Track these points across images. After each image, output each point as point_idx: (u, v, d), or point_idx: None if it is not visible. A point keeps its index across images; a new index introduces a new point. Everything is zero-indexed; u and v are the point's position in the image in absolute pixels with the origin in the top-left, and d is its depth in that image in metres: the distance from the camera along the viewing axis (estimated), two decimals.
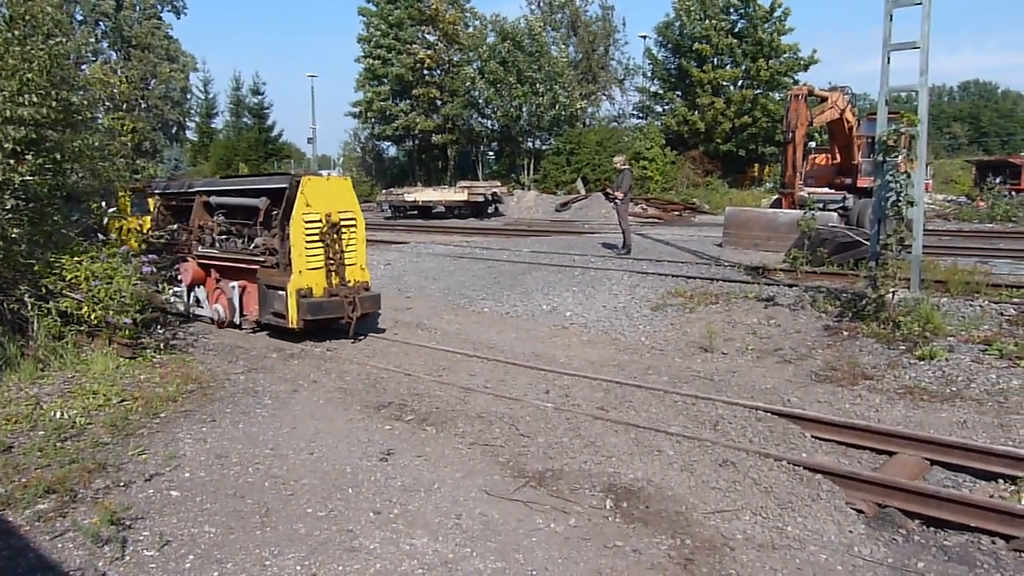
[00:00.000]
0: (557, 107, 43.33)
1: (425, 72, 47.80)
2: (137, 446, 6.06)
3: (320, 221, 9.89)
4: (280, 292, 9.80)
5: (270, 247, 10.11)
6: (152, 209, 12.48)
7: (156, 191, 12.62)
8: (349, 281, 10.17)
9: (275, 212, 10.25)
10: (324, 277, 9.98)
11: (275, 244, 10.03)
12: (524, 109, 43.58)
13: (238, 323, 10.93)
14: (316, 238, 9.87)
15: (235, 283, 10.83)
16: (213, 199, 11.63)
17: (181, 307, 11.77)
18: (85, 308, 8.46)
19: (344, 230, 10.14)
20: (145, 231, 12.14)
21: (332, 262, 10.04)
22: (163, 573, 4.30)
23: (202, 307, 11.60)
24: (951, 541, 5.16)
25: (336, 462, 5.88)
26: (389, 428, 6.68)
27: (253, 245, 10.62)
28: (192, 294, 11.72)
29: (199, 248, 11.46)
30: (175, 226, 12.27)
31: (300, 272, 9.73)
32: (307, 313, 9.66)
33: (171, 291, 11.27)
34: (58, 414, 6.59)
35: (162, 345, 9.13)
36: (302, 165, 59.33)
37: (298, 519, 4.93)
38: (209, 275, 11.49)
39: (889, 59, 10.50)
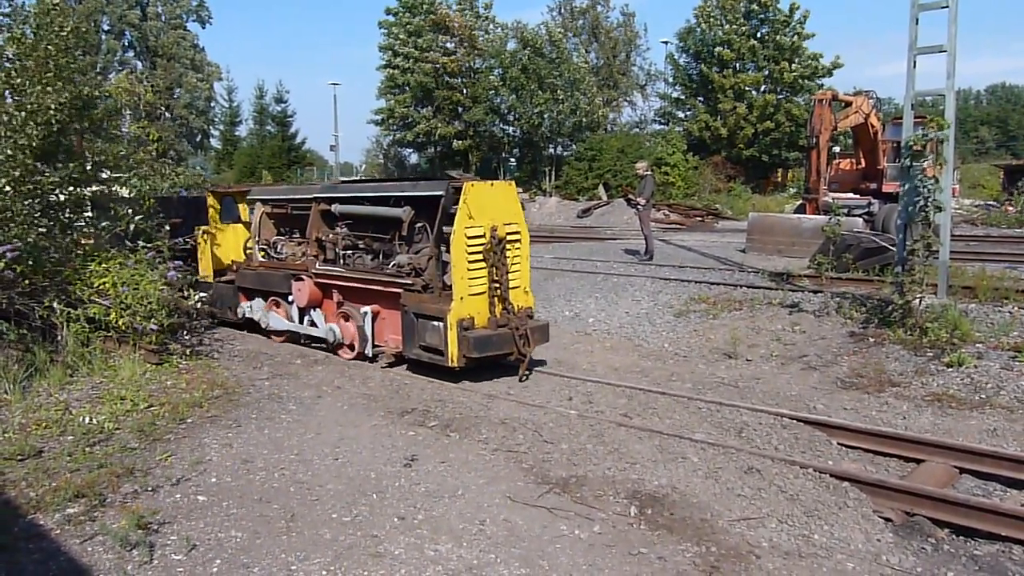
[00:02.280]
0: (578, 113, 43.34)
1: (447, 78, 48.01)
2: (164, 451, 6.13)
3: (484, 236, 8.38)
4: (435, 323, 8.29)
5: (417, 267, 8.71)
6: (255, 217, 11.35)
7: (260, 197, 11.43)
8: (515, 308, 8.64)
9: (420, 224, 8.98)
10: (487, 304, 8.50)
11: (422, 263, 8.68)
12: (545, 116, 43.64)
13: (369, 354, 9.38)
14: (479, 257, 8.36)
15: (366, 307, 9.33)
16: (337, 207, 9.91)
17: (279, 327, 10.68)
18: (113, 314, 8.58)
19: (509, 246, 8.61)
20: (245, 244, 11.59)
21: (497, 286, 8.49)
22: None
23: (317, 328, 10.14)
24: (981, 551, 5.08)
25: (360, 467, 5.90)
26: (413, 434, 6.70)
27: (393, 264, 9.08)
28: (307, 317, 10.28)
29: (317, 264, 9.99)
30: (282, 238, 11.21)
31: (461, 299, 8.23)
32: (472, 349, 8.15)
33: (245, 307, 11.04)
34: (87, 419, 6.68)
35: (188, 351, 9.23)
36: (325, 172, 59.77)
37: (323, 524, 4.95)
38: (328, 296, 10.02)
39: (915, 63, 10.41)
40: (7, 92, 8.40)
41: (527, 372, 8.72)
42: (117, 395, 7.35)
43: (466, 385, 8.47)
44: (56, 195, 9.30)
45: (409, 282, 8.68)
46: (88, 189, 10.03)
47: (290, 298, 10.29)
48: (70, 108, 9.01)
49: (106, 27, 51.19)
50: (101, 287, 8.73)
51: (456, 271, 8.25)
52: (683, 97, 49.58)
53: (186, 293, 9.81)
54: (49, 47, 8.88)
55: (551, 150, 47.35)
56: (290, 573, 4.37)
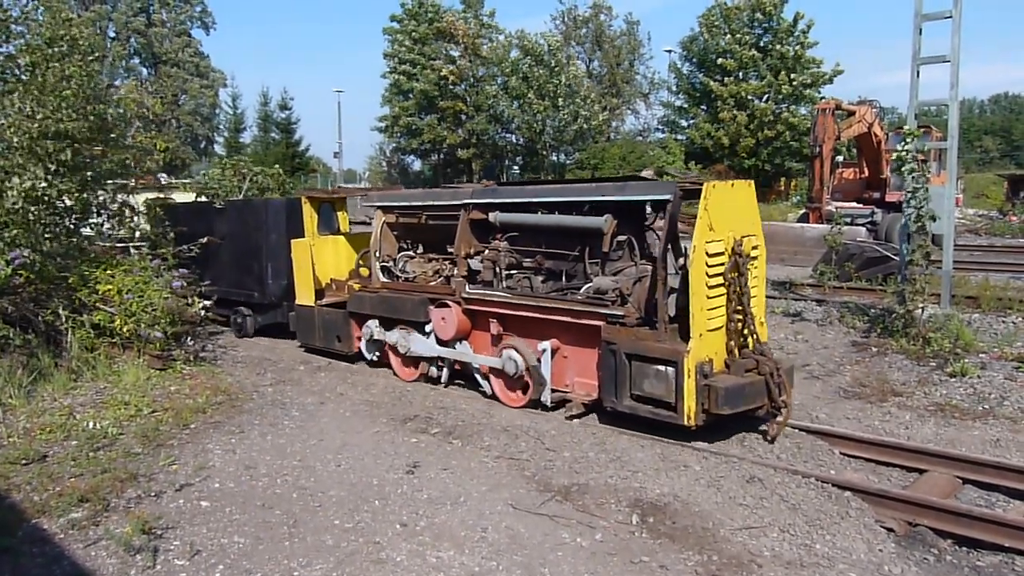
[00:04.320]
0: (579, 121, 43.45)
1: (450, 87, 48.18)
2: (168, 456, 6.15)
3: (725, 253, 6.66)
4: (661, 367, 6.50)
5: (624, 291, 7.04)
6: (375, 228, 9.53)
7: (382, 203, 9.60)
8: (760, 345, 6.83)
9: (624, 238, 7.27)
10: (725, 341, 6.71)
11: (628, 286, 7.05)
12: (548, 124, 43.78)
13: (546, 402, 7.58)
14: (719, 280, 6.63)
15: (544, 342, 7.58)
16: (497, 217, 8.13)
17: (422, 351, 8.80)
18: (117, 321, 8.61)
19: (751, 265, 6.88)
20: (359, 261, 10.06)
21: (739, 316, 6.71)
22: None
23: (468, 358, 8.38)
24: (984, 561, 5.08)
25: (363, 474, 5.92)
26: (415, 441, 6.72)
27: (586, 287, 7.33)
28: (452, 349, 8.54)
29: (467, 287, 8.27)
30: (413, 254, 9.52)
31: (700, 335, 6.43)
32: (720, 403, 6.32)
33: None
34: (91, 424, 6.71)
35: (192, 357, 9.25)
36: (328, 179, 59.88)
37: (326, 530, 4.97)
38: (481, 327, 8.31)
39: (919, 72, 10.44)
40: (20, 103, 8.42)
41: (777, 428, 6.83)
42: (121, 400, 7.38)
43: (469, 393, 8.49)
44: (63, 201, 9.35)
45: (618, 313, 6.88)
46: (99, 194, 10.05)
47: (427, 328, 8.62)
48: (88, 129, 9.03)
49: (112, 34, 51.45)
50: (106, 294, 8.77)
51: (695, 299, 6.41)
52: (686, 106, 49.69)
53: (190, 300, 9.84)
54: (64, 60, 8.90)
55: (554, 158, 47.45)
56: None
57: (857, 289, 13.16)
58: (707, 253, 6.48)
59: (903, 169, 9.99)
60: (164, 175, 16.92)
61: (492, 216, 8.18)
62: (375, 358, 9.58)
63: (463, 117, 48.70)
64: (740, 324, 6.74)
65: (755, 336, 6.77)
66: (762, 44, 45.13)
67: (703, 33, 46.49)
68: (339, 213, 11.07)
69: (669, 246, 6.81)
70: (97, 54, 9.52)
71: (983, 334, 9.69)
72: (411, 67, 48.30)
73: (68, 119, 8.47)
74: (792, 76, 43.08)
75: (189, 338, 10.17)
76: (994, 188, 45.12)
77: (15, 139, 8.29)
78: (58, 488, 5.42)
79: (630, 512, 5.27)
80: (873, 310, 11.05)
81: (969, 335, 9.35)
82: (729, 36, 44.80)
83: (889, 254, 13.98)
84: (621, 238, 7.25)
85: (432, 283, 8.87)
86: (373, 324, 9.27)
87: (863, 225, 20.03)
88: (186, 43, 57.11)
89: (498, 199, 8.25)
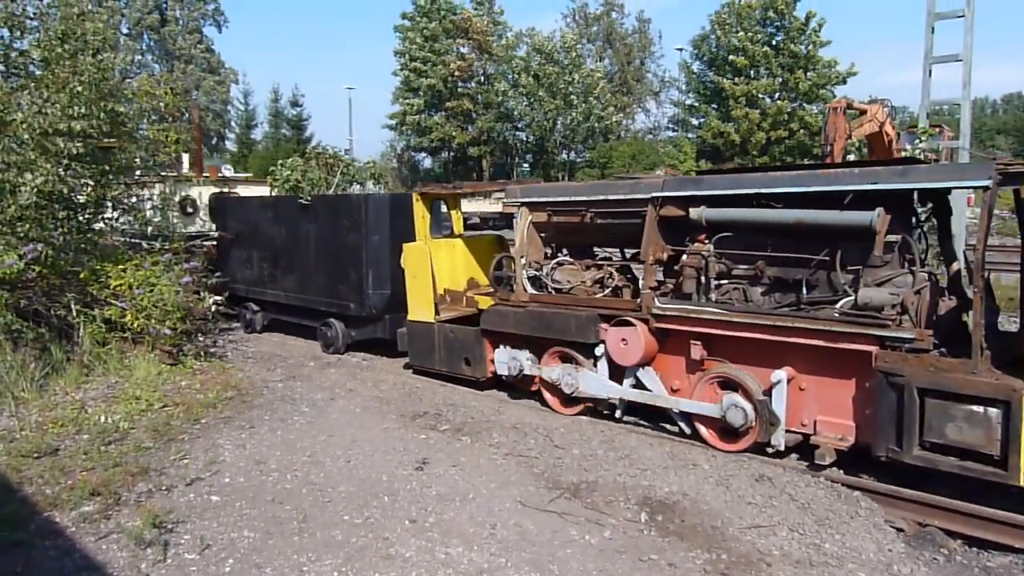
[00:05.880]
0: (592, 119, 43.43)
1: (459, 85, 48.17)
2: (178, 451, 6.18)
3: None
4: (978, 409, 5.12)
5: (907, 305, 5.69)
6: (519, 229, 8.07)
7: (530, 199, 8.07)
8: None
9: (896, 238, 5.84)
10: None
11: (911, 300, 5.72)
12: (558, 122, 43.76)
13: (780, 445, 6.19)
14: None
15: (778, 371, 6.12)
16: (703, 212, 6.67)
17: (595, 391, 7.34)
18: (129, 316, 8.66)
19: None
20: (495, 268, 8.61)
21: None
22: None
23: (666, 402, 6.94)
24: (994, 562, 5.05)
25: (372, 470, 5.94)
26: (424, 437, 6.73)
27: (847, 301, 5.87)
28: (627, 381, 7.16)
29: (656, 300, 6.84)
30: (569, 260, 8.10)
31: None
32: None
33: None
34: (102, 418, 6.76)
35: (202, 352, 9.30)
36: None
37: (335, 526, 4.99)
38: (673, 349, 6.93)
39: (931, 72, 10.41)
40: (33, 100, 8.47)
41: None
42: (132, 395, 7.43)
43: (477, 390, 8.50)
44: (76, 196, 9.40)
45: (906, 335, 5.51)
46: (114, 189, 10.08)
47: (598, 351, 7.26)
48: (102, 128, 9.07)
49: (125, 30, 51.69)
50: (118, 289, 8.82)
51: None
52: (697, 104, 49.57)
53: (201, 295, 9.89)
54: (76, 56, 8.94)
55: (564, 156, 47.44)
56: (302, 574, 4.40)
57: None
58: None
59: None
60: (228, 167, 16.49)
61: (695, 212, 6.70)
62: (513, 377, 8.02)
63: (472, 115, 48.69)
64: None
65: None
66: (774, 43, 44.98)
67: (716, 30, 46.36)
68: (453, 212, 9.83)
69: (964, 249, 5.61)
70: (110, 53, 9.56)
71: None
72: (422, 64, 48.32)
73: (80, 116, 8.51)
74: (807, 74, 42.93)
75: (200, 333, 10.23)
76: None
77: (27, 135, 8.35)
78: (70, 481, 5.45)
79: (639, 510, 5.28)
80: None
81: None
82: (741, 34, 44.66)
83: None
84: (892, 238, 5.82)
85: (596, 295, 7.54)
86: (523, 356, 7.86)
87: None
88: (198, 40, 57.33)
89: (703, 191, 6.76)
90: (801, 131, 43.25)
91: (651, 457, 6.23)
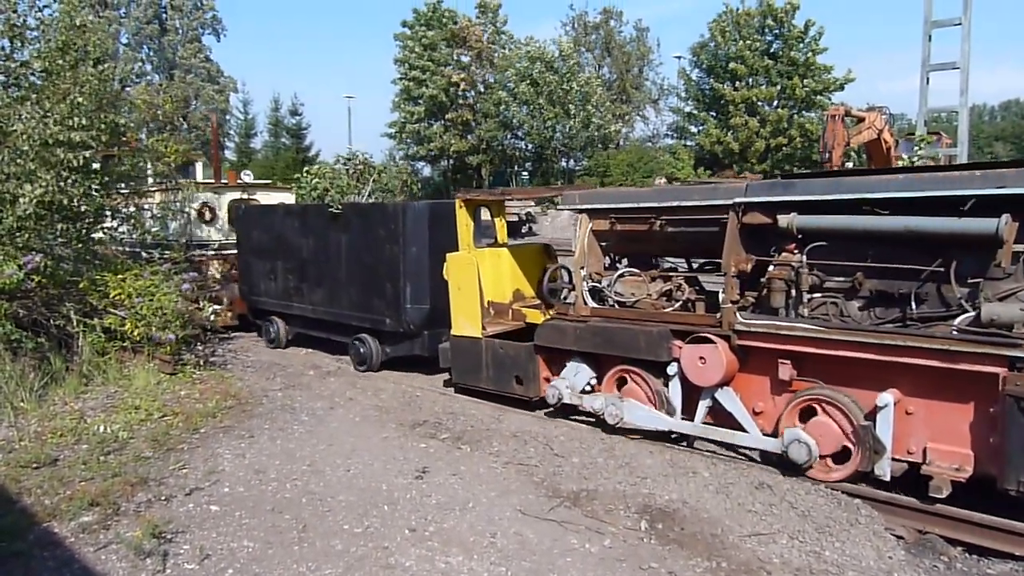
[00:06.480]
0: (591, 128, 43.54)
1: (459, 94, 48.28)
2: (178, 460, 6.18)
3: None
4: None
5: None
6: (579, 238, 7.58)
7: (591, 205, 7.53)
8: None
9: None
10: None
11: None
12: (558, 130, 43.87)
13: (884, 475, 5.63)
14: None
15: (884, 394, 5.55)
16: (794, 220, 6.02)
17: (646, 423, 6.88)
18: (128, 325, 8.66)
19: None
20: (547, 280, 8.14)
21: None
22: None
23: (732, 438, 6.47)
24: (994, 570, 5.05)
25: (372, 479, 5.93)
26: (424, 446, 6.73)
27: (966, 317, 5.33)
28: (704, 403, 6.64)
29: (738, 316, 6.30)
30: (634, 271, 7.51)
31: None
32: None
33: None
34: (102, 428, 6.76)
35: (202, 361, 9.30)
36: None
37: (335, 535, 4.98)
38: (756, 368, 6.40)
39: (928, 79, 10.45)
40: (32, 111, 8.48)
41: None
42: (132, 404, 7.43)
43: (476, 398, 8.49)
44: (77, 206, 9.42)
45: None
46: (113, 198, 10.10)
47: (671, 370, 6.77)
48: (102, 139, 9.09)
49: (124, 40, 51.83)
50: (117, 298, 8.83)
51: None
52: (696, 112, 49.70)
53: (200, 304, 9.88)
54: (76, 67, 8.96)
55: (563, 164, 47.53)
56: None
57: None
58: None
59: None
60: (248, 172, 16.30)
61: (784, 219, 6.07)
62: (553, 405, 7.61)
63: (472, 124, 48.78)
64: None
65: None
66: (772, 50, 45.13)
67: (715, 37, 46.53)
68: (497, 220, 9.16)
69: None
70: (110, 63, 9.59)
71: None
72: (421, 73, 48.43)
73: (79, 127, 8.53)
74: (805, 81, 43.06)
75: (199, 343, 10.23)
76: None
77: (27, 146, 8.36)
78: (69, 492, 5.45)
79: (639, 518, 5.27)
80: None
81: None
82: (740, 42, 44.82)
83: None
84: (1017, 247, 5.26)
85: (666, 308, 7.05)
86: (584, 375, 7.42)
87: None
88: (198, 49, 57.48)
89: (794, 196, 6.09)
90: (799, 139, 43.34)
91: (651, 465, 6.22)
